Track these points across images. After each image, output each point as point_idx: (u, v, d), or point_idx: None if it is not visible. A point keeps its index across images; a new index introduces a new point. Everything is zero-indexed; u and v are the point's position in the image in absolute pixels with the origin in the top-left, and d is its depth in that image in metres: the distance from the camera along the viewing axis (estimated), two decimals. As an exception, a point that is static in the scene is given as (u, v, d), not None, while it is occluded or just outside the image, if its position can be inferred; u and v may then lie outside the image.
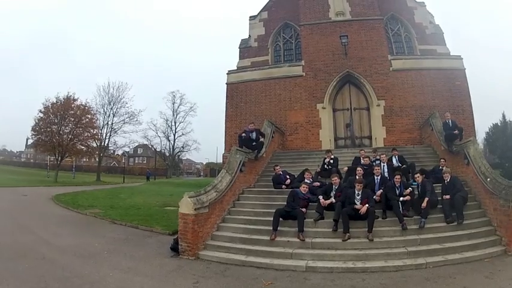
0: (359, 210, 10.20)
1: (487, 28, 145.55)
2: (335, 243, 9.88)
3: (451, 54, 22.00)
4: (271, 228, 10.25)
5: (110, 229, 13.60)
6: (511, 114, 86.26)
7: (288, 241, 10.04)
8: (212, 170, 68.72)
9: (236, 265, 9.19)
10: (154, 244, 11.34)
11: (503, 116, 26.65)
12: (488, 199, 11.07)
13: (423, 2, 23.71)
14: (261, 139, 16.15)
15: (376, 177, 12.04)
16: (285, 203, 11.10)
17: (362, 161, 14.01)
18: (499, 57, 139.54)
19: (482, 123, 59.60)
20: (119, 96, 53.96)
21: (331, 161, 14.57)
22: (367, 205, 10.22)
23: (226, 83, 22.88)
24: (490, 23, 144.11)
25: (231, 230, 11.23)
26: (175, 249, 10.14)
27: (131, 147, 69.14)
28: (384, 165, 13.37)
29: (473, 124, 20.81)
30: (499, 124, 29.37)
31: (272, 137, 18.39)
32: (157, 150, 74.11)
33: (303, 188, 11.37)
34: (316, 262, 9.06)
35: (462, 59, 21.34)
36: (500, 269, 8.44)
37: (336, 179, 11.53)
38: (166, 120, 70.29)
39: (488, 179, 11.13)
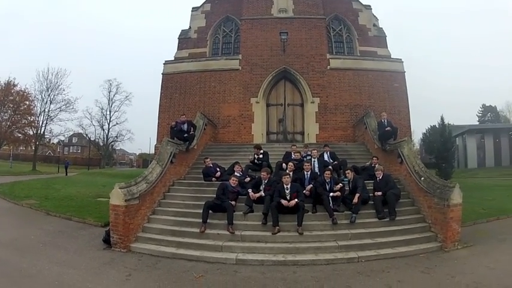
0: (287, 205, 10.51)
1: (438, 34, 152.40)
2: (265, 236, 10.12)
3: (392, 57, 23.30)
4: (201, 220, 10.44)
5: (45, 221, 13.45)
6: (450, 117, 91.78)
7: (218, 234, 10.24)
8: (145, 161, 67.92)
9: (167, 257, 9.32)
10: (87, 236, 11.26)
11: (442, 119, 28.44)
12: (422, 197, 11.81)
13: (369, 5, 24.95)
14: (192, 131, 16.37)
15: (306, 173, 12.38)
16: (215, 195, 11.33)
17: (293, 156, 14.37)
18: (448, 62, 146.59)
19: (423, 125, 62.73)
20: (57, 82, 52.77)
21: (261, 156, 15.03)
22: (296, 199, 10.52)
23: (162, 73, 23.25)
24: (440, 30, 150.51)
25: (162, 222, 11.33)
26: (107, 241, 10.14)
27: (66, 136, 67.82)
28: (314, 161, 13.84)
29: (409, 125, 22.22)
30: (437, 126, 31.26)
31: (204, 129, 18.72)
32: (91, 139, 72.75)
33: (233, 181, 11.61)
34: (246, 255, 9.27)
35: (402, 62, 22.82)
36: (436, 265, 8.85)
37: (265, 174, 11.74)
38: (102, 109, 69.62)
39: (422, 178, 11.88)
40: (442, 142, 27.18)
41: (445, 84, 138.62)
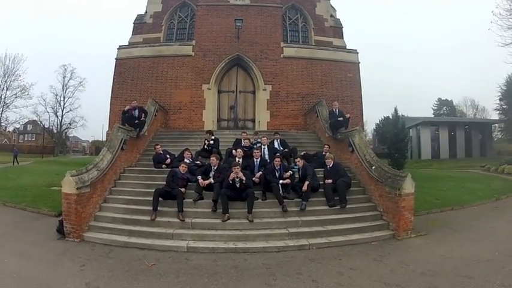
0: (237, 189, 10.74)
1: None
2: (215, 223, 10.28)
3: (348, 47, 24.04)
4: (152, 208, 10.50)
5: (1, 212, 13.33)
6: (407, 109, 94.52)
7: (169, 221, 10.33)
8: (98, 148, 66.33)
9: (120, 246, 9.34)
10: (42, 226, 11.16)
11: (395, 110, 29.32)
12: (373, 185, 12.11)
13: (328, -5, 25.18)
14: (143, 117, 16.33)
15: (255, 160, 12.53)
16: (165, 182, 11.42)
17: (243, 143, 14.65)
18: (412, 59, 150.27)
19: (381, 116, 64.26)
20: (14, 68, 51.56)
21: (212, 142, 15.07)
22: (243, 178, 10.77)
23: (115, 59, 23.09)
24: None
25: (113, 210, 11.28)
26: (61, 231, 10.07)
27: (21, 123, 67.17)
28: (264, 148, 14.12)
29: (362, 114, 23.06)
30: (391, 117, 32.17)
31: (155, 115, 18.80)
32: (45, 127, 70.95)
33: (182, 168, 11.71)
34: (197, 242, 9.41)
35: (357, 53, 23.71)
36: (389, 252, 9.05)
37: (214, 160, 11.88)
38: (56, 95, 67.76)
39: (374, 167, 12.18)
40: (395, 133, 27.83)
41: (404, 78, 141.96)
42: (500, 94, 38.82)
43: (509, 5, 29.79)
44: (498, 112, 42.47)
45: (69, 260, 8.29)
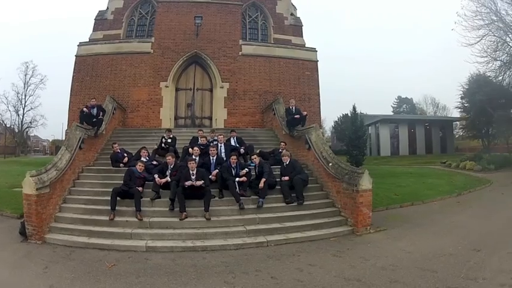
0: (193, 187, 10.91)
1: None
2: (173, 222, 10.41)
3: (307, 46, 24.64)
4: (110, 208, 10.57)
5: None
6: (367, 107, 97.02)
7: (127, 221, 10.41)
8: (58, 147, 64.73)
9: (80, 247, 9.30)
10: (5, 229, 11.04)
11: (354, 108, 30.13)
12: (330, 182, 12.45)
13: (289, -6, 25.60)
14: (101, 115, 16.48)
15: (212, 158, 12.92)
16: (122, 181, 11.47)
17: (199, 141, 14.93)
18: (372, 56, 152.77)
19: (340, 113, 65.65)
20: None
21: (169, 140, 15.49)
22: (202, 181, 10.98)
23: (75, 55, 22.83)
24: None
25: (73, 211, 11.26)
26: (23, 233, 10.07)
27: None
28: (221, 146, 14.36)
29: (319, 112, 23.79)
30: (349, 114, 32.94)
31: (113, 113, 18.87)
32: (7, 126, 69.00)
33: (139, 167, 11.87)
34: (155, 242, 9.48)
35: (316, 51, 24.40)
36: (349, 248, 9.25)
37: (170, 158, 12.12)
38: (18, 93, 65.72)
39: (330, 164, 12.51)
40: (354, 130, 28.41)
41: (366, 76, 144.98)
42: (462, 93, 40.16)
43: (476, 7, 31.08)
44: (459, 110, 43.79)
45: (33, 263, 8.27)
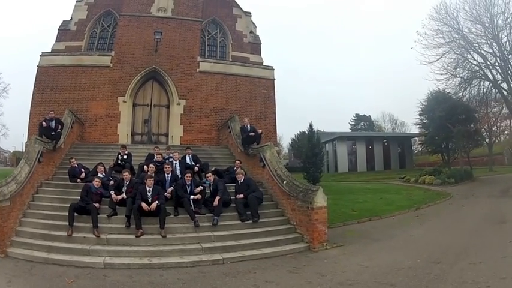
0: (149, 204, 11.17)
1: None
2: (129, 239, 10.66)
3: (264, 64, 25.41)
4: (68, 223, 10.79)
5: None
6: (326, 125, 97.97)
7: (85, 237, 10.62)
8: (18, 159, 64.51)
9: (41, 263, 9.44)
10: None
11: (310, 125, 30.89)
12: (285, 200, 12.93)
13: (250, 12, 27.12)
14: (60, 129, 16.46)
15: (167, 175, 13.17)
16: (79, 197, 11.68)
17: (155, 158, 15.05)
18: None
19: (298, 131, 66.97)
20: None
21: (125, 157, 15.66)
22: (156, 202, 11.18)
23: (37, 66, 22.61)
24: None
25: (32, 225, 11.48)
26: None
27: None
28: (176, 163, 14.65)
29: (275, 130, 24.63)
30: (306, 132, 33.56)
31: (71, 127, 18.78)
32: None
33: (96, 183, 12.20)
34: (113, 259, 9.69)
35: (273, 69, 25.30)
36: (305, 264, 9.55)
37: (126, 175, 12.42)
38: None
39: (285, 182, 12.99)
40: (310, 147, 29.09)
41: (327, 94, 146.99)
42: (420, 109, 41.96)
43: (437, 26, 33.50)
44: (418, 126, 45.84)
45: None
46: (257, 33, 27.68)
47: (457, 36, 33.32)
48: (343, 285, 7.78)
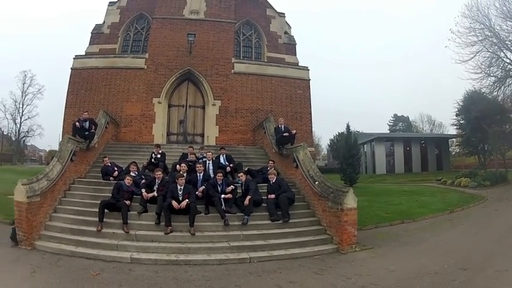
0: (180, 202, 11.19)
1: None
2: (158, 236, 10.61)
3: (300, 64, 25.14)
4: (98, 219, 10.89)
5: None
6: (361, 125, 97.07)
7: (114, 233, 10.68)
8: (53, 158, 66.20)
9: (67, 256, 9.60)
10: None
11: (348, 126, 30.37)
12: (317, 200, 12.60)
13: (283, 13, 26.87)
14: (93, 129, 16.72)
15: (198, 174, 13.10)
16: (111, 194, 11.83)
17: (189, 157, 15.04)
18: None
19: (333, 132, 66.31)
20: None
21: (159, 156, 15.70)
22: (186, 200, 11.19)
23: (71, 68, 23.11)
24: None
25: (62, 220, 11.65)
26: (14, 238, 10.44)
27: None
28: (209, 163, 14.53)
29: (311, 130, 24.41)
30: (345, 133, 33.13)
31: (106, 127, 19.04)
32: (4, 133, 69.87)
33: (127, 181, 12.21)
34: (140, 254, 9.72)
35: (308, 70, 24.85)
36: (331, 266, 9.33)
37: (159, 173, 12.44)
38: (15, 102, 66.93)
39: (317, 183, 12.64)
40: (347, 148, 28.76)
41: (365, 95, 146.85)
42: (457, 109, 40.66)
43: (469, 23, 31.87)
44: (455, 127, 44.15)
45: (21, 267, 8.68)
46: (292, 34, 27.46)
47: (489, 33, 31.73)
48: (365, 289, 7.51)
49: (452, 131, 51.97)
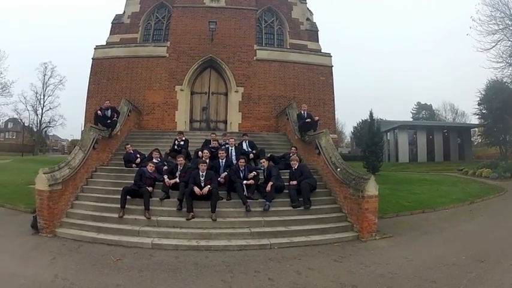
0: (202, 188, 11.12)
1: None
2: (180, 221, 10.62)
3: (322, 51, 24.79)
4: (120, 206, 10.97)
5: None
6: (384, 112, 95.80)
7: (136, 219, 10.74)
8: (75, 146, 66.81)
9: (89, 242, 9.71)
10: (18, 223, 11.62)
11: (371, 113, 29.87)
12: (338, 187, 12.45)
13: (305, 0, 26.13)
14: (116, 117, 16.80)
15: (221, 160, 13.10)
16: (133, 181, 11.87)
17: (211, 144, 15.21)
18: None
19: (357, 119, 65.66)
20: None
21: (182, 143, 15.80)
22: (208, 186, 11.13)
23: (92, 58, 23.38)
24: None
25: (84, 207, 11.74)
26: (35, 226, 10.52)
27: (2, 121, 69.03)
28: (232, 150, 14.51)
29: (334, 117, 24.13)
30: (368, 120, 32.68)
31: (128, 115, 19.23)
32: (25, 125, 71.29)
33: (150, 167, 12.18)
34: (161, 240, 9.76)
35: (331, 56, 24.58)
36: (351, 254, 9.25)
37: (181, 160, 12.45)
38: (36, 93, 68.28)
39: (339, 169, 12.49)
40: (370, 136, 28.39)
41: (390, 82, 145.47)
42: (479, 99, 39.61)
43: (490, 11, 30.85)
44: (477, 117, 42.91)
45: (41, 254, 8.77)
46: (314, 21, 27.10)
47: (509, 22, 30.72)
48: (384, 278, 7.55)
49: (475, 120, 50.81)
